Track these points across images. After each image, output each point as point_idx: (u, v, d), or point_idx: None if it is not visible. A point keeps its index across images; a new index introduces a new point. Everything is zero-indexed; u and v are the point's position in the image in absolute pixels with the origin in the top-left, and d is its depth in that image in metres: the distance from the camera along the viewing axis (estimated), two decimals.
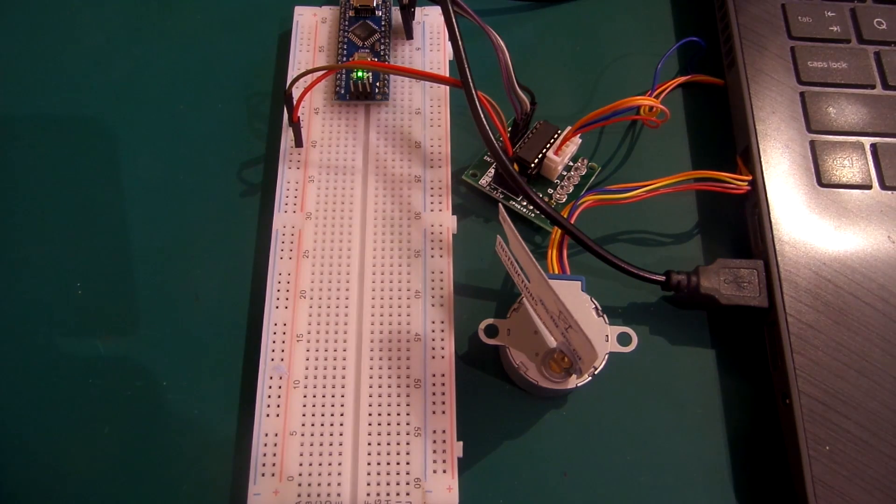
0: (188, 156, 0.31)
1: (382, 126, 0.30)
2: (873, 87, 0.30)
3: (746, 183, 0.28)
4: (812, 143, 0.28)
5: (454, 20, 0.26)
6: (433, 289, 0.27)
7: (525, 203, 0.29)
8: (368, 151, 0.29)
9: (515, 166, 0.28)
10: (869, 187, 0.28)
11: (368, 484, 0.24)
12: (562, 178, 0.30)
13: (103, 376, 0.26)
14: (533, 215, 0.29)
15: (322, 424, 0.24)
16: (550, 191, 0.30)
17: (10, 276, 0.28)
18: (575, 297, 0.25)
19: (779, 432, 0.25)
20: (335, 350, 0.26)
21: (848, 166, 0.28)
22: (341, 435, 0.24)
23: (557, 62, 0.33)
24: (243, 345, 0.27)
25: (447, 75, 0.31)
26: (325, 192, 0.28)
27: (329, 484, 0.24)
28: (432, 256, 0.27)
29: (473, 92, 0.26)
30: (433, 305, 0.26)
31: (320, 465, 0.24)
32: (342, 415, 0.25)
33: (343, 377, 0.25)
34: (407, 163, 0.29)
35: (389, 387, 0.25)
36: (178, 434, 0.26)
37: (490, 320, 0.25)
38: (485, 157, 0.30)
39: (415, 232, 0.28)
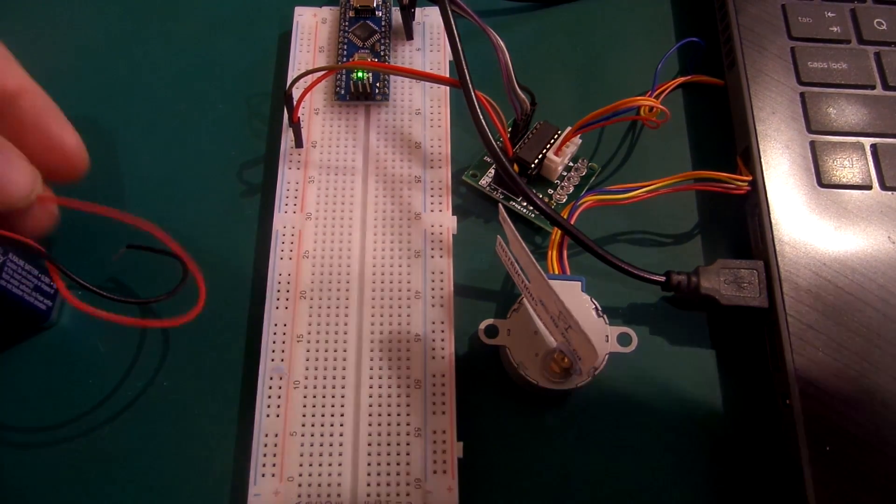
0: (188, 156, 0.31)
1: (382, 126, 0.30)
2: (873, 87, 0.30)
3: (746, 183, 0.28)
4: (812, 143, 0.28)
5: (452, 21, 0.26)
6: (433, 289, 0.27)
7: (525, 203, 0.29)
8: (368, 152, 0.29)
9: (515, 167, 0.28)
10: (869, 188, 0.28)
11: (368, 484, 0.24)
12: (562, 178, 0.30)
13: (103, 376, 0.26)
14: (533, 216, 0.29)
15: (322, 425, 0.24)
16: (550, 191, 0.30)
17: None
18: (575, 298, 0.25)
19: (779, 432, 0.25)
20: (335, 350, 0.25)
21: (848, 167, 0.28)
22: (341, 435, 0.24)
23: (557, 62, 0.33)
24: (243, 345, 0.27)
25: (447, 76, 0.31)
26: (325, 192, 0.28)
27: (329, 484, 0.24)
28: (432, 257, 0.27)
29: (472, 93, 0.26)
30: (433, 306, 0.26)
31: (320, 465, 0.24)
32: (342, 415, 0.25)
33: (343, 377, 0.25)
34: (407, 163, 0.29)
35: (389, 387, 0.25)
36: (178, 434, 0.26)
37: (490, 320, 0.25)
38: (485, 158, 0.30)
39: (415, 232, 0.28)
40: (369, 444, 0.24)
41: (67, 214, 0.29)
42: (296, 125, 0.28)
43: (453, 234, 0.28)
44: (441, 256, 0.27)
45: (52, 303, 0.27)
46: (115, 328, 0.27)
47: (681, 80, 0.31)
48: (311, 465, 0.24)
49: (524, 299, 0.25)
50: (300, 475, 0.24)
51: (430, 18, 0.32)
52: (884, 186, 0.28)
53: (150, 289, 0.28)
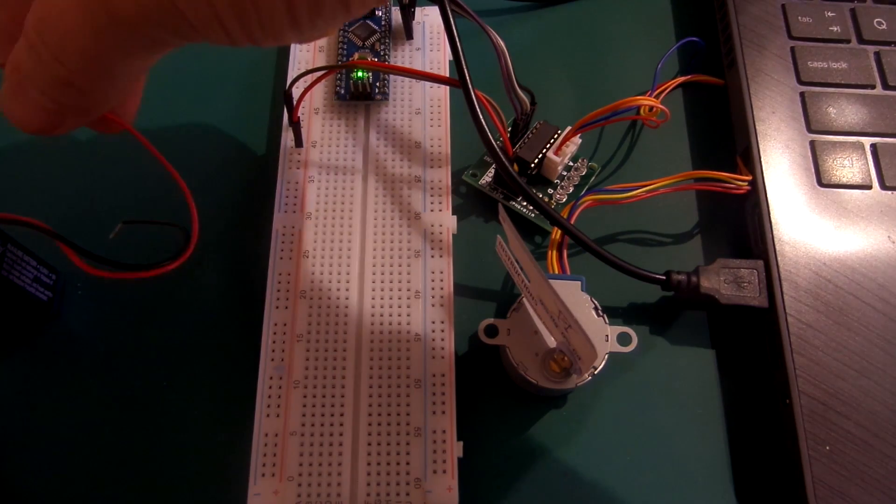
0: (188, 156, 0.30)
1: (382, 126, 0.30)
2: (873, 87, 0.30)
3: (746, 183, 0.28)
4: (812, 143, 0.28)
5: (452, 20, 0.26)
6: (433, 289, 0.27)
7: (525, 203, 0.29)
8: (368, 151, 0.29)
9: (515, 166, 0.28)
10: (869, 187, 0.28)
11: (368, 484, 0.24)
12: (562, 178, 0.30)
13: (103, 376, 0.26)
14: (533, 215, 0.29)
15: (322, 424, 0.24)
16: (550, 191, 0.30)
17: None
18: (575, 297, 0.25)
19: (779, 432, 0.25)
20: (335, 350, 0.25)
21: (848, 166, 0.28)
22: (341, 435, 0.24)
23: (557, 62, 0.33)
24: (243, 345, 0.27)
25: (447, 75, 0.31)
26: (325, 192, 0.28)
27: (329, 484, 0.24)
28: (432, 256, 0.27)
29: (472, 93, 0.26)
30: (433, 305, 0.26)
31: (320, 465, 0.24)
32: (342, 415, 0.25)
33: (343, 377, 0.25)
34: (407, 163, 0.29)
35: (389, 387, 0.25)
36: (178, 434, 0.26)
37: (490, 320, 0.25)
38: (485, 157, 0.30)
39: (415, 232, 0.28)
40: (369, 444, 0.24)
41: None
42: (296, 125, 0.28)
43: (453, 234, 0.28)
44: (441, 256, 0.27)
45: (52, 294, 0.26)
46: (115, 326, 0.27)
47: (681, 79, 0.31)
48: (310, 464, 0.24)
49: (524, 299, 0.25)
50: (300, 475, 0.24)
51: (429, 18, 0.32)
52: (884, 186, 0.28)
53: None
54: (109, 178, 0.30)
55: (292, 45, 0.31)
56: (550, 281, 0.22)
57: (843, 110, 0.29)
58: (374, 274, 0.27)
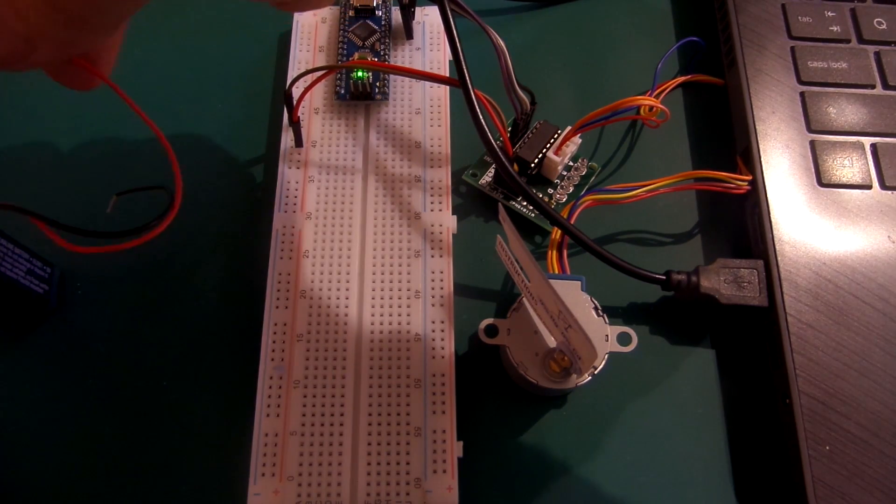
0: (188, 156, 0.30)
1: (382, 126, 0.30)
2: (873, 87, 0.30)
3: (746, 183, 0.28)
4: (812, 143, 0.28)
5: (452, 20, 0.26)
6: (433, 289, 0.27)
7: (525, 203, 0.29)
8: (368, 151, 0.29)
9: (515, 166, 0.28)
10: (869, 187, 0.28)
11: (368, 484, 0.24)
12: (562, 178, 0.30)
13: (103, 376, 0.26)
14: (533, 215, 0.29)
15: (322, 424, 0.24)
16: (550, 191, 0.30)
17: None
18: (575, 297, 0.25)
19: (779, 432, 0.25)
20: (335, 350, 0.25)
21: (848, 166, 0.28)
22: (341, 435, 0.24)
23: (557, 62, 0.33)
24: (243, 344, 0.27)
25: (447, 75, 0.31)
26: (325, 192, 0.28)
27: (329, 484, 0.24)
28: (432, 256, 0.27)
29: (472, 93, 0.26)
30: (433, 305, 0.26)
31: (320, 465, 0.24)
32: (342, 415, 0.25)
33: (343, 377, 0.25)
34: (407, 163, 0.29)
35: (389, 387, 0.25)
36: (178, 434, 0.26)
37: (490, 320, 0.25)
38: (485, 157, 0.30)
39: (415, 232, 0.28)
40: (369, 444, 0.24)
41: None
42: (296, 124, 0.28)
43: (453, 234, 0.28)
44: (441, 256, 0.27)
45: (48, 287, 0.26)
46: (114, 327, 0.27)
47: (681, 79, 0.31)
48: (310, 464, 0.24)
49: (524, 299, 0.25)
50: (300, 475, 0.24)
51: (429, 18, 0.32)
52: (884, 186, 0.28)
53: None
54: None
55: (292, 45, 0.31)
56: (550, 281, 0.22)
57: (843, 110, 0.29)
58: (374, 274, 0.27)
